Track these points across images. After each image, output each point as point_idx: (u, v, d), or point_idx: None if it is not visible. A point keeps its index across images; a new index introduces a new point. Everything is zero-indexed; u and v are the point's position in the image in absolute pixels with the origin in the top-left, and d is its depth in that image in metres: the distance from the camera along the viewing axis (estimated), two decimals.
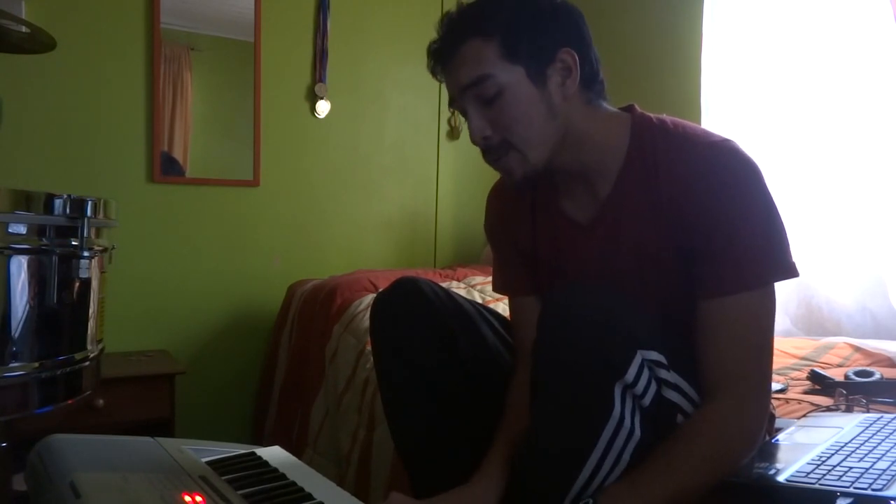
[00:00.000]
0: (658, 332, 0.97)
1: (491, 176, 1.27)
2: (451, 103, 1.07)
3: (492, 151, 1.04)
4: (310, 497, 0.93)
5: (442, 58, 1.05)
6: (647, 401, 0.93)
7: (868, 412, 1.28)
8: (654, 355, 0.93)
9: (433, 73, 1.09)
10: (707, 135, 1.02)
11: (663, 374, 0.94)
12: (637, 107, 1.08)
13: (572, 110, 1.02)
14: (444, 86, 1.07)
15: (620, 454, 0.92)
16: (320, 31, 2.60)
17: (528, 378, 0.99)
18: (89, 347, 1.23)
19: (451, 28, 1.04)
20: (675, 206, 0.99)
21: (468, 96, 1.01)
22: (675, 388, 0.96)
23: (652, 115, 1.07)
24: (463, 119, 1.05)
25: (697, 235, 0.98)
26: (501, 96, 0.99)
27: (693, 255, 0.99)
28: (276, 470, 1.03)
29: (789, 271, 0.98)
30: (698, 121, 2.34)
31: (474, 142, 1.04)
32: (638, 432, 0.92)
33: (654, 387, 0.93)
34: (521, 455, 1.01)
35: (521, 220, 1.17)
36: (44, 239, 1.11)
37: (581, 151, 1.04)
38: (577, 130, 1.02)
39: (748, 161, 0.98)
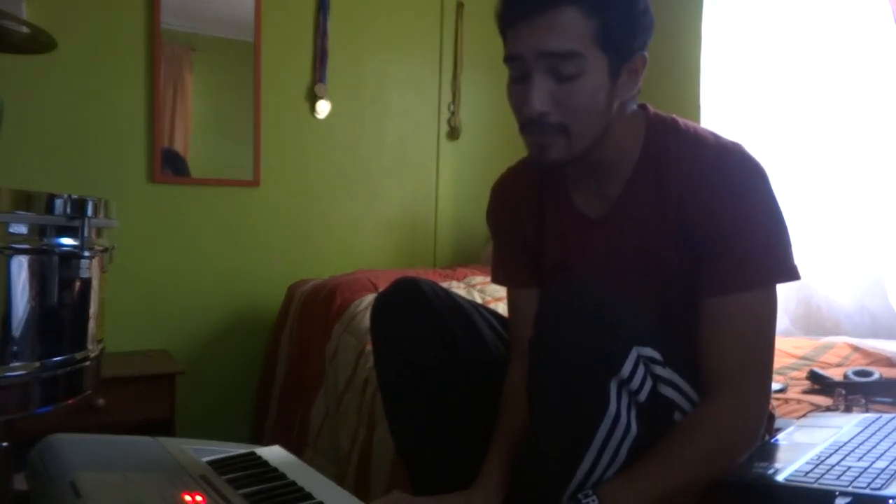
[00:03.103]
0: (655, 329, 0.97)
1: (491, 175, 1.28)
2: (513, 61, 0.98)
3: (541, 126, 0.97)
4: (310, 497, 0.93)
5: (525, 10, 0.94)
6: (642, 397, 0.94)
7: (867, 412, 1.28)
8: (650, 351, 0.94)
9: (501, 18, 0.98)
10: (717, 137, 1.04)
11: (659, 370, 0.95)
12: (650, 106, 1.09)
13: (616, 111, 1.01)
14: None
15: (617, 450, 0.92)
16: (320, 32, 2.60)
17: (525, 373, 0.99)
18: (90, 347, 1.24)
19: None
20: (682, 205, 1.00)
21: (543, 64, 0.94)
22: (671, 384, 0.96)
23: (664, 114, 1.08)
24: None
25: (703, 235, 0.99)
26: (579, 79, 0.94)
27: (698, 254, 1.00)
28: (276, 469, 1.03)
29: (791, 274, 0.99)
30: (698, 121, 2.34)
31: (524, 111, 0.97)
32: (634, 428, 0.93)
33: (649, 383, 0.94)
34: (520, 452, 1.01)
35: (529, 211, 1.16)
36: (44, 239, 1.11)
37: (604, 150, 1.03)
38: (609, 130, 1.02)
39: (756, 165, 1.00)
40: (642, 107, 1.09)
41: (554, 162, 1.01)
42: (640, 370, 0.92)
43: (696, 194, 0.99)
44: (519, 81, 0.98)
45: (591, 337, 0.90)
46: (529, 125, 0.98)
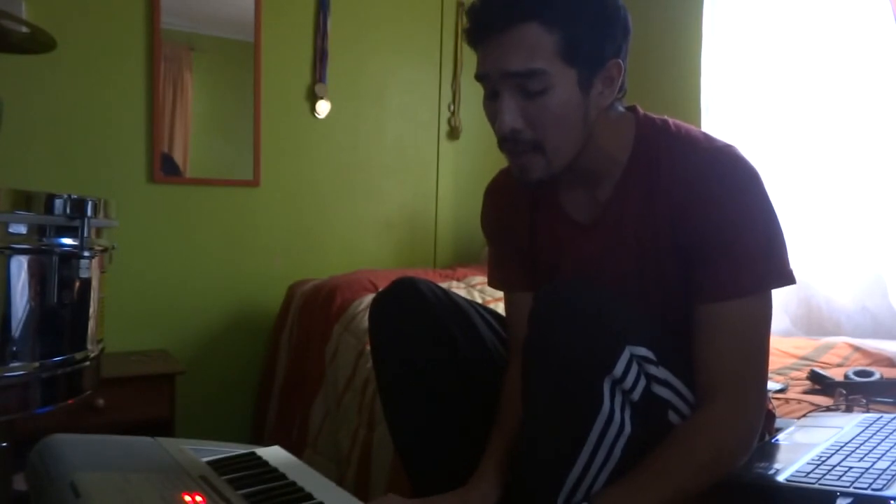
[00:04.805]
0: (648, 328, 0.97)
1: (491, 175, 1.28)
2: (482, 79, 0.99)
3: (515, 144, 0.98)
4: (310, 497, 0.93)
5: (488, 28, 0.95)
6: (636, 396, 0.94)
7: (868, 412, 1.28)
8: (643, 351, 0.94)
9: (468, 36, 0.99)
10: (709, 139, 1.03)
11: (652, 369, 0.95)
12: (640, 108, 1.08)
13: (597, 118, 1.01)
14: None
15: (611, 449, 0.92)
16: (320, 31, 2.60)
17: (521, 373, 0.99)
18: (90, 347, 1.23)
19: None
20: (675, 209, 1.00)
21: (509, 83, 0.95)
22: (665, 384, 0.96)
23: (654, 116, 1.07)
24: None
25: (697, 239, 0.98)
26: (546, 94, 0.94)
27: (692, 258, 0.99)
28: (276, 470, 1.03)
29: (787, 279, 0.99)
30: (698, 121, 2.34)
31: (499, 130, 0.98)
32: (628, 427, 0.93)
33: (643, 382, 0.94)
34: (516, 451, 1.01)
35: (521, 217, 1.16)
36: (44, 239, 1.11)
37: (591, 155, 1.03)
38: (594, 136, 1.01)
39: (749, 168, 0.99)
40: (632, 109, 1.08)
41: (536, 182, 1.01)
42: (634, 369, 0.92)
43: (689, 197, 0.98)
44: (491, 98, 0.99)
45: (584, 336, 0.90)
46: (504, 142, 0.99)
